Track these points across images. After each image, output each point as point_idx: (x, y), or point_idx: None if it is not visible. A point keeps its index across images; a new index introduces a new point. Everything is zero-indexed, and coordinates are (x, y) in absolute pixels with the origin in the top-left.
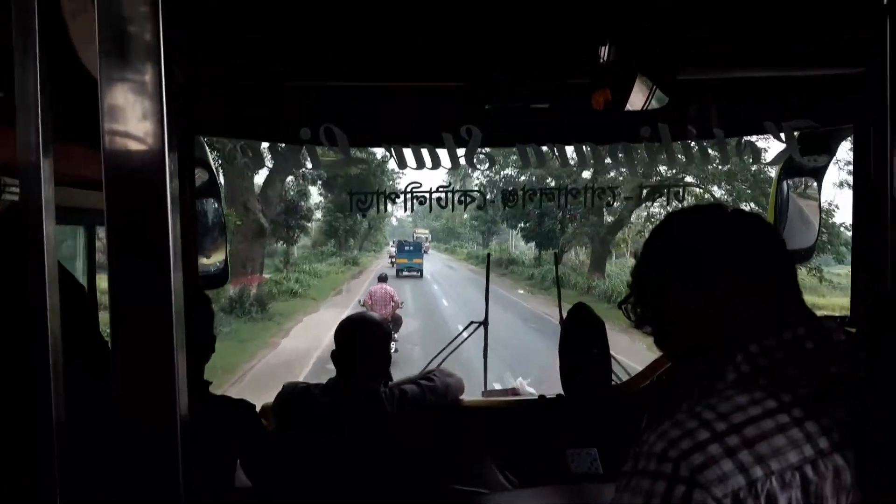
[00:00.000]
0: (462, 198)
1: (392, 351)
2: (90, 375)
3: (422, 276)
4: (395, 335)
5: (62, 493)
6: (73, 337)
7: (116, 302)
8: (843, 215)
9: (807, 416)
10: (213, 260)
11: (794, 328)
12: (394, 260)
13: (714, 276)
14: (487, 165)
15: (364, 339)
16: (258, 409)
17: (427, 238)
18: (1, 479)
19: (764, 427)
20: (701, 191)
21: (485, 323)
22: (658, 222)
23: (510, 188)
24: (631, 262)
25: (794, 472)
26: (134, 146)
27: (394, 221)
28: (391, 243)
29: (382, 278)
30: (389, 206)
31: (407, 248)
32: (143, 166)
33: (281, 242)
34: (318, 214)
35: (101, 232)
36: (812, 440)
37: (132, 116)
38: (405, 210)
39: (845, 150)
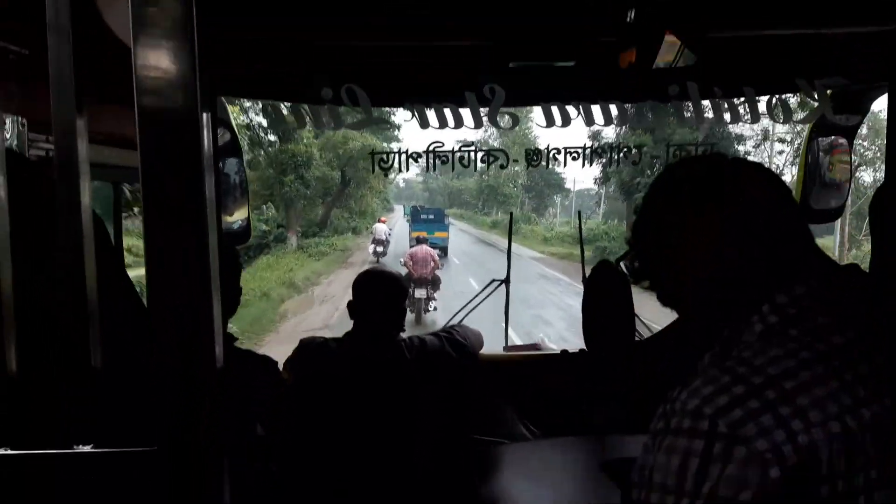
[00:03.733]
0: (485, 157)
1: (432, 308)
2: (124, 325)
3: (446, 254)
4: (435, 294)
5: (101, 426)
6: (106, 288)
7: (152, 256)
8: None
9: (843, 366)
10: (235, 217)
11: (818, 275)
12: (376, 245)
13: (726, 237)
14: (511, 125)
15: (383, 290)
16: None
17: (387, 233)
18: (40, 414)
19: (801, 378)
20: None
21: (506, 281)
22: (657, 176)
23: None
24: None
25: (835, 422)
26: (167, 105)
27: (400, 182)
28: (378, 224)
29: (422, 239)
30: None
31: (425, 216)
32: (177, 125)
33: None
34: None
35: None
36: (850, 389)
37: (165, 76)
38: (417, 170)
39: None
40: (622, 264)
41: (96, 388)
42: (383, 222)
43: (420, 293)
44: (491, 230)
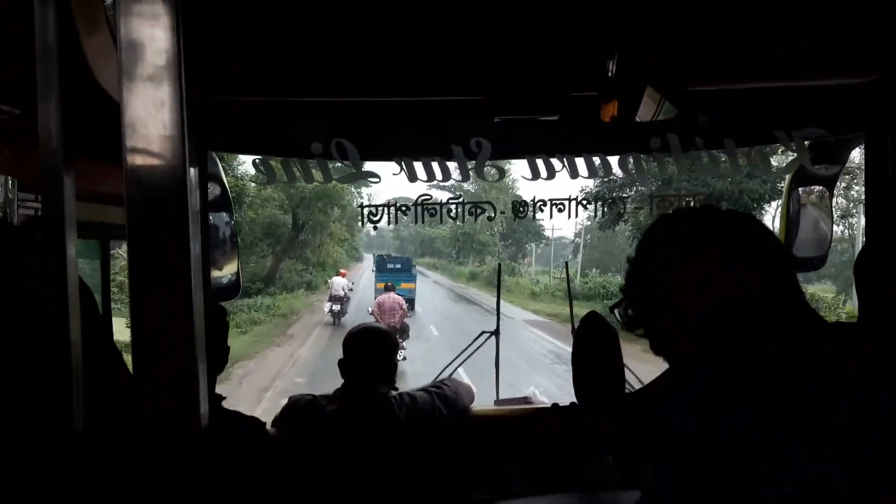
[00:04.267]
0: (472, 209)
1: (400, 359)
2: (108, 388)
3: (413, 308)
4: (403, 343)
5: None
6: (91, 350)
7: (137, 314)
8: None
9: (819, 434)
10: (225, 272)
11: (796, 330)
12: (333, 304)
13: (706, 280)
14: (498, 178)
15: (372, 347)
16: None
17: (346, 287)
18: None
19: (791, 418)
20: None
21: (496, 333)
22: (648, 226)
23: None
24: None
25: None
26: (155, 161)
27: (371, 232)
28: (336, 278)
29: (389, 287)
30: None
31: (391, 265)
32: (165, 181)
33: None
34: None
35: (116, 247)
36: (824, 462)
37: (153, 132)
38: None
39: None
40: (615, 312)
41: (80, 454)
42: (343, 275)
43: None
44: (469, 283)
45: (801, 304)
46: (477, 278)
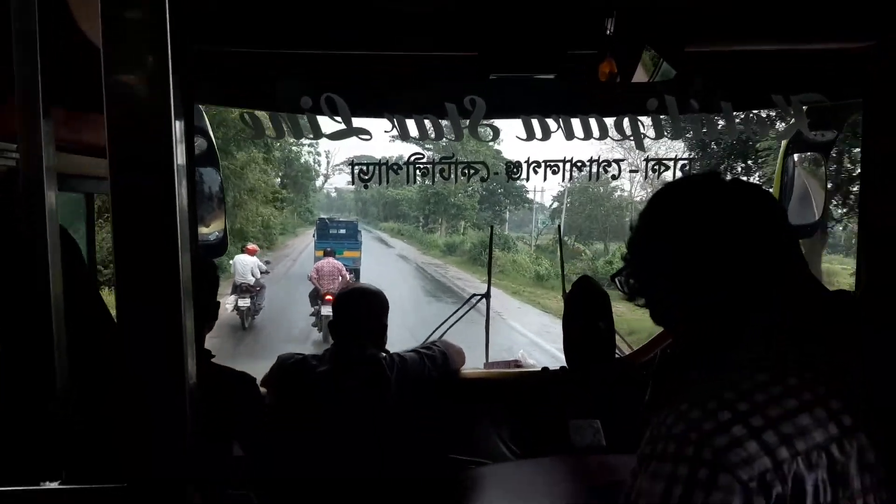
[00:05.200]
0: (465, 170)
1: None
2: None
3: (358, 278)
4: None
5: (67, 461)
6: (74, 303)
7: (122, 269)
8: None
9: (830, 393)
10: (212, 228)
11: (809, 302)
12: (239, 297)
13: (716, 253)
14: (492, 137)
15: (363, 306)
16: (258, 381)
17: (257, 270)
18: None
19: (787, 406)
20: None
21: (487, 295)
22: (652, 194)
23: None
24: None
25: (821, 451)
26: (139, 113)
27: (332, 192)
28: (240, 257)
29: (329, 252)
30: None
31: (334, 230)
32: (149, 133)
33: None
34: None
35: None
36: (836, 418)
37: (137, 83)
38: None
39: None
40: (616, 281)
41: (62, 413)
42: (251, 252)
43: (326, 311)
44: (445, 257)
45: (808, 276)
46: (455, 251)
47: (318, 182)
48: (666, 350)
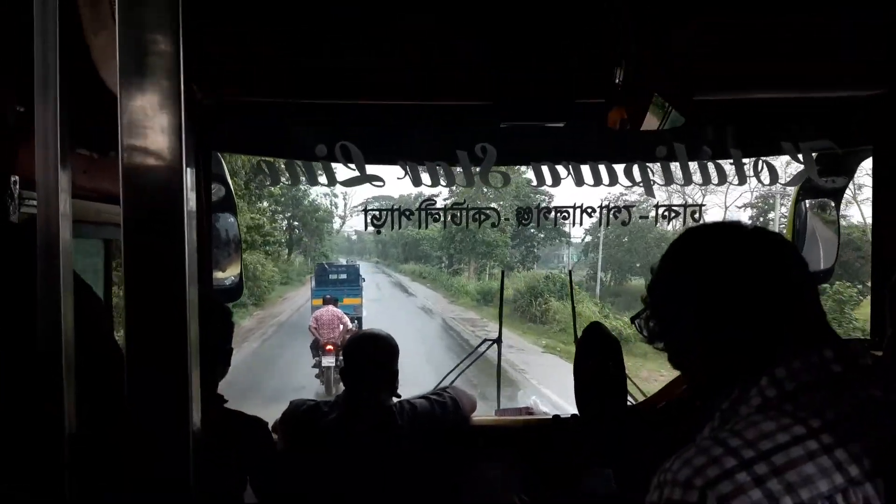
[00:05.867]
0: (476, 215)
1: None
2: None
3: (361, 327)
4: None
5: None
6: (89, 346)
7: (132, 315)
8: None
9: (836, 443)
10: (228, 273)
11: (819, 350)
12: None
13: (738, 301)
14: (502, 184)
15: (372, 353)
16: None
17: None
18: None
19: (793, 454)
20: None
21: (498, 341)
22: (675, 238)
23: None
24: None
25: (825, 501)
26: (152, 161)
27: (352, 235)
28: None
29: (329, 300)
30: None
31: (334, 275)
32: (161, 181)
33: None
34: None
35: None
36: (842, 468)
37: (151, 131)
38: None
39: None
40: (636, 323)
41: (70, 452)
42: None
43: (328, 361)
44: (481, 308)
45: (824, 324)
46: (493, 300)
47: (336, 224)
48: (682, 397)
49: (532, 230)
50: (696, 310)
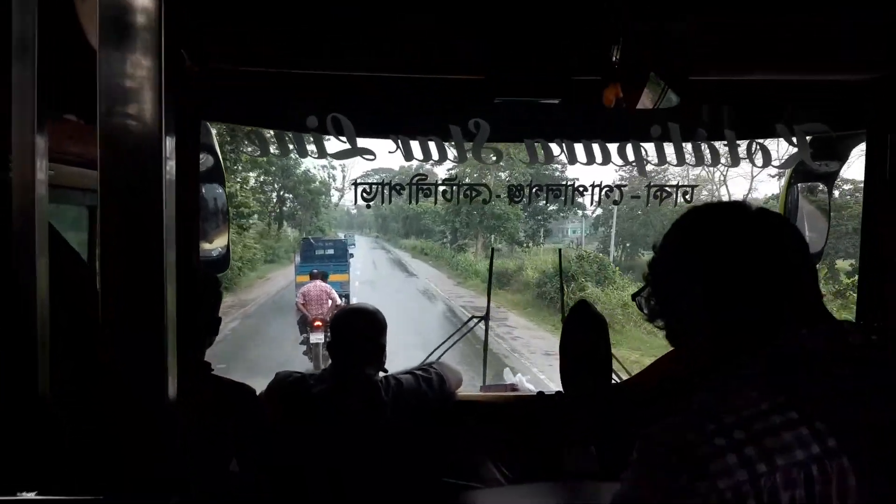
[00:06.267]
0: (468, 191)
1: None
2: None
3: (349, 302)
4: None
5: (45, 472)
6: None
7: (107, 281)
8: None
9: (817, 415)
10: (215, 245)
11: (810, 328)
12: None
13: (748, 280)
14: (494, 160)
15: (359, 328)
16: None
17: None
18: None
19: (772, 422)
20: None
21: (486, 318)
22: (679, 217)
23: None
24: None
25: (800, 469)
26: (131, 125)
27: (352, 209)
28: None
29: (317, 275)
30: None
31: (321, 250)
32: (140, 146)
33: None
34: None
35: None
36: (820, 439)
37: (130, 96)
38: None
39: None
40: (636, 300)
41: (42, 419)
42: None
43: (316, 338)
44: (496, 294)
45: (819, 303)
46: (510, 283)
47: (334, 198)
48: (666, 377)
49: (542, 202)
50: (704, 289)
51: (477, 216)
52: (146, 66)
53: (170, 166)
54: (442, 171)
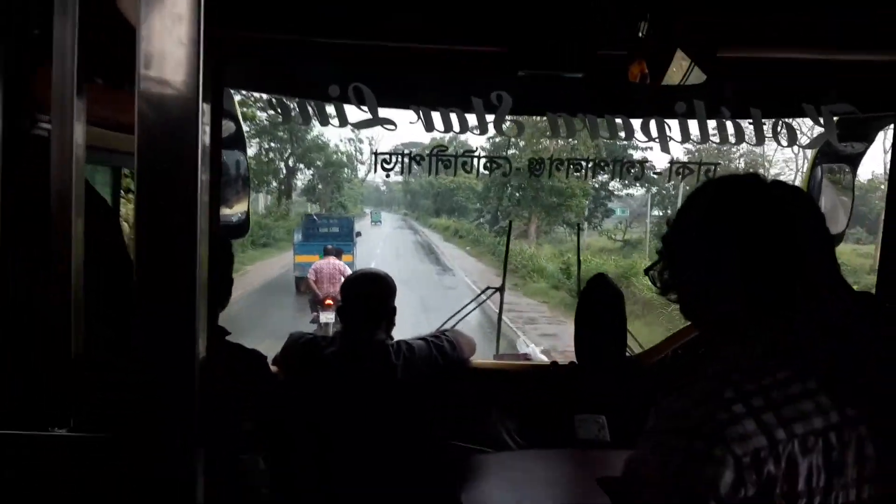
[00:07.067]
0: (488, 164)
1: None
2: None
3: None
4: None
5: (77, 409)
6: (103, 255)
7: (142, 245)
8: None
9: (836, 384)
10: (235, 210)
11: (829, 299)
12: None
13: (754, 254)
14: (516, 132)
15: (370, 291)
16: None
17: None
18: (15, 393)
19: (791, 390)
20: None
21: (501, 289)
22: (695, 190)
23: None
24: None
25: (818, 437)
26: (169, 92)
27: (381, 185)
28: None
29: (329, 251)
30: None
31: (324, 228)
32: (176, 113)
33: None
34: None
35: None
36: (839, 407)
37: (168, 64)
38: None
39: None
40: (649, 275)
41: (76, 376)
42: None
43: (327, 317)
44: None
45: (839, 275)
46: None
47: (361, 172)
48: (678, 351)
49: (605, 176)
50: (739, 258)
51: (531, 191)
52: (185, 34)
53: (206, 132)
54: (481, 143)
